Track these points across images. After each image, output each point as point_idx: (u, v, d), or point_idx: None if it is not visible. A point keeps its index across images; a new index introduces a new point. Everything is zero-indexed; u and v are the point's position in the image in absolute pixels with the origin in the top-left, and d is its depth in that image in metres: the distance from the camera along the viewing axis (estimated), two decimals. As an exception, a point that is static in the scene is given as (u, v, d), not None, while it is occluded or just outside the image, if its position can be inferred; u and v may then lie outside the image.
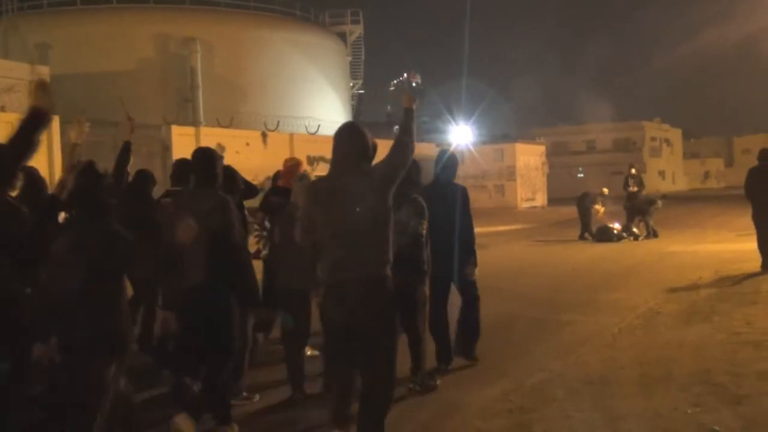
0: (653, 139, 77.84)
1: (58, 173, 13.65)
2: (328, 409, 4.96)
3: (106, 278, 4.44)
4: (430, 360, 7.03)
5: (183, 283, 5.17)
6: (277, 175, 8.23)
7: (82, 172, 5.13)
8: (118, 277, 4.60)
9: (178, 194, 6.14)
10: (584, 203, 22.13)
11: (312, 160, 26.29)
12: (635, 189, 20.97)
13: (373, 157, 4.77)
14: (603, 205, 22.38)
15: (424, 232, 6.54)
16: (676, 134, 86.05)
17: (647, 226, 20.88)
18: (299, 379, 6.51)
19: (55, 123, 19.70)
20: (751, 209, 13.17)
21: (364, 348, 4.62)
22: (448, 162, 7.56)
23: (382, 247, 4.60)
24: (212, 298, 5.34)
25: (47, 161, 17.30)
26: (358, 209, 4.51)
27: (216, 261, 5.30)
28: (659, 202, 21.57)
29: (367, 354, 4.63)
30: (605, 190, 23.08)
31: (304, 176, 6.69)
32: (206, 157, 5.66)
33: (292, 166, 7.73)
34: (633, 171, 21.50)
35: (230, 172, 6.51)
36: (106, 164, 6.55)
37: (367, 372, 4.67)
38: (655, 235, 20.66)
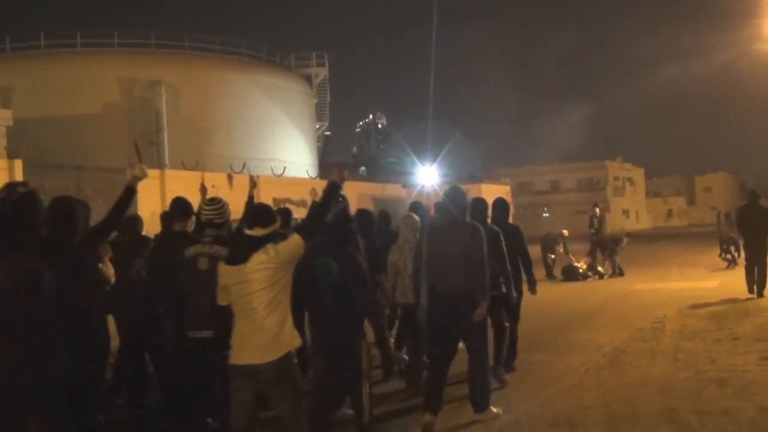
0: (616, 178, 78.96)
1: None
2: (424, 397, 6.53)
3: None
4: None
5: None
6: None
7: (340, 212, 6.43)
8: None
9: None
10: (543, 245, 22.35)
11: (278, 202, 26.21)
12: (594, 229, 21.23)
13: (467, 210, 6.73)
14: (564, 247, 22.57)
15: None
16: (638, 173, 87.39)
17: (613, 264, 21.06)
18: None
19: (18, 165, 19.60)
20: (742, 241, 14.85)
21: (464, 339, 6.66)
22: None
23: (473, 272, 6.33)
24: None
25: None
26: (455, 247, 6.38)
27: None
28: (625, 240, 21.84)
29: (467, 342, 6.63)
30: (565, 232, 23.38)
31: (409, 216, 8.37)
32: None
33: None
34: (597, 210, 21.78)
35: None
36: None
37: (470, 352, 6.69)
38: (621, 273, 20.84)
